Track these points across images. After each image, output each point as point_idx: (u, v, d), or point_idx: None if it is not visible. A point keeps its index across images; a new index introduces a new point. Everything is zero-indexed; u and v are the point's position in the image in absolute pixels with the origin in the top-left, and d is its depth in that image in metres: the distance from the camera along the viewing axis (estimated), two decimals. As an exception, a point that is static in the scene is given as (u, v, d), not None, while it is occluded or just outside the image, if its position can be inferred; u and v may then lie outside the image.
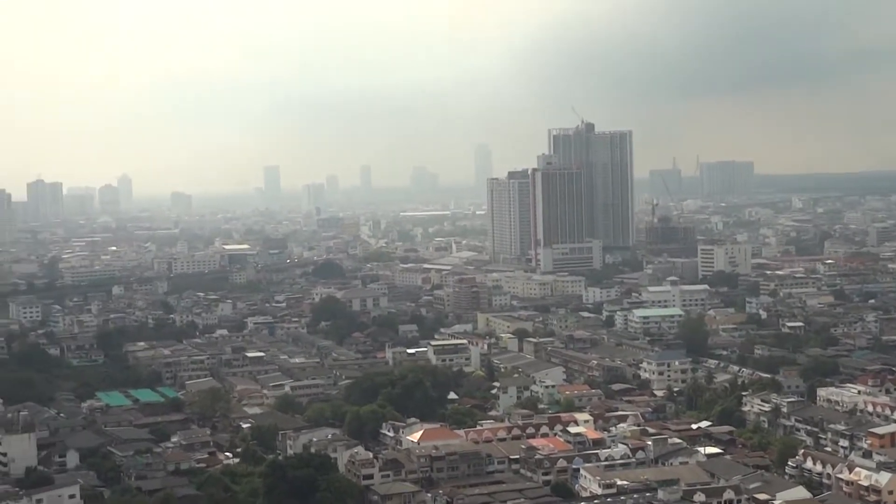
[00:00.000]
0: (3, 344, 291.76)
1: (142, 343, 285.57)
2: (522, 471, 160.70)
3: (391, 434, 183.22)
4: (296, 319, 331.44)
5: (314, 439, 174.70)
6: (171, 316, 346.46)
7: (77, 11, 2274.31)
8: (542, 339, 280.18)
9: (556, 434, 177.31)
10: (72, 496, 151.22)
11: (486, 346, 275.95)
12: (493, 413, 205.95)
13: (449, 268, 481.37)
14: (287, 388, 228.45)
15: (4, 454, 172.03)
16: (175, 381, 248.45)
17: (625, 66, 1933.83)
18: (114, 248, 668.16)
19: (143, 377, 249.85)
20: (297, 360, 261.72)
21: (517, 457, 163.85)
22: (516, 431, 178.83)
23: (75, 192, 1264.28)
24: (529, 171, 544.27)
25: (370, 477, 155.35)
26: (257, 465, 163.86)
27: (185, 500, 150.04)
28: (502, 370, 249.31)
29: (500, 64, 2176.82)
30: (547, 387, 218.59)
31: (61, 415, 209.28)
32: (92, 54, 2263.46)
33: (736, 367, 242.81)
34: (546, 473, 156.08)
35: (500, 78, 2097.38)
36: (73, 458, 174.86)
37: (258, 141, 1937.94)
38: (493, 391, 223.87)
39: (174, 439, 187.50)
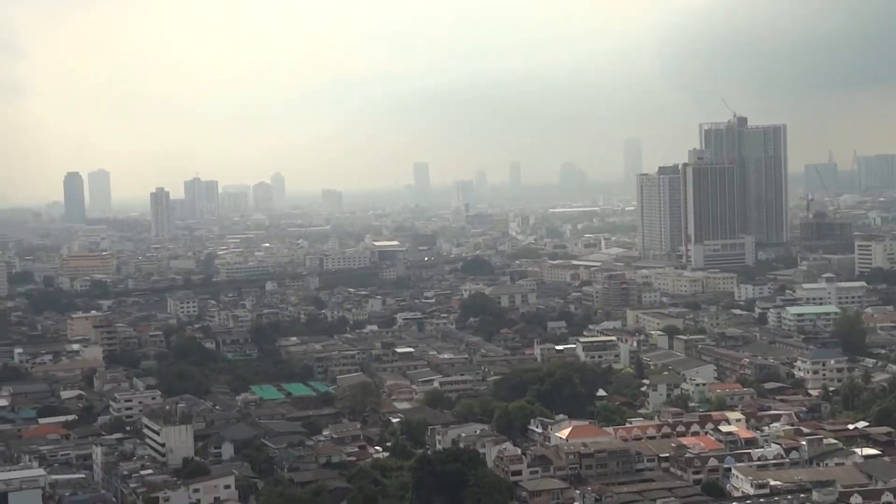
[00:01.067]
0: (161, 338, 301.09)
1: (294, 338, 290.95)
2: (672, 469, 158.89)
3: (539, 430, 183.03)
4: (444, 315, 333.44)
5: (463, 434, 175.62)
6: (323, 311, 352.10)
7: (231, 11, 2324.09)
8: (692, 337, 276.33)
9: (706, 433, 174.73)
10: (227, 486, 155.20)
11: (635, 343, 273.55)
12: (642, 411, 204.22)
13: (598, 264, 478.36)
14: (436, 384, 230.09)
15: (163, 445, 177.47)
16: (326, 376, 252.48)
17: (776, 58, 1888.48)
18: (267, 244, 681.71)
19: (296, 371, 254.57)
20: (445, 356, 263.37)
21: (667, 455, 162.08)
22: (666, 429, 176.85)
23: (230, 189, 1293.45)
24: (680, 167, 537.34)
25: (518, 473, 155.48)
26: (406, 460, 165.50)
27: (336, 493, 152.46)
28: (652, 367, 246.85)
29: (649, 56, 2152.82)
30: (698, 385, 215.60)
31: (217, 407, 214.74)
32: (244, 56, 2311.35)
33: (895, 367, 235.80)
34: (697, 472, 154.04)
35: (648, 71, 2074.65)
36: (228, 450, 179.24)
37: (408, 137, 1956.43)
38: (643, 389, 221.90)
39: (325, 433, 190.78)
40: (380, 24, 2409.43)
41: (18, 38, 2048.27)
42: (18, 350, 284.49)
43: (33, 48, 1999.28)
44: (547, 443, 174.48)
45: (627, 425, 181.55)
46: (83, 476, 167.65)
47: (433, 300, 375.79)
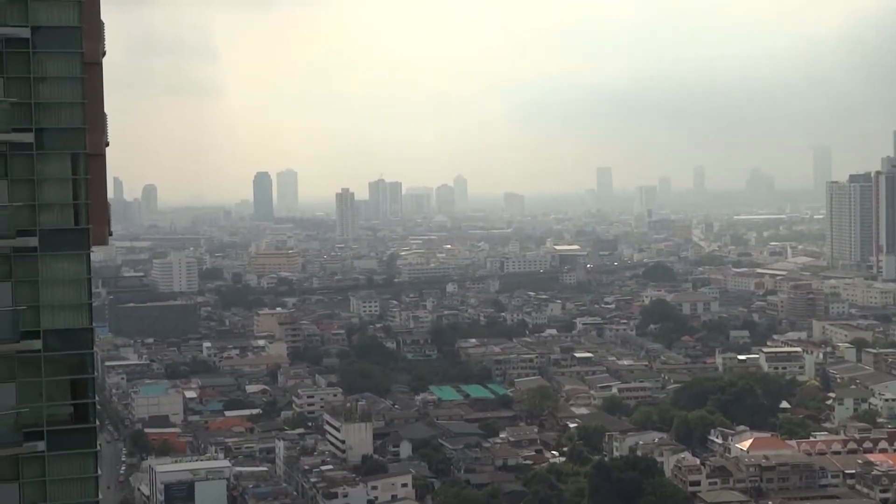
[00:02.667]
0: (343, 336, 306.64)
1: (473, 340, 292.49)
2: (858, 486, 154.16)
3: (719, 441, 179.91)
4: (625, 321, 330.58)
5: (640, 442, 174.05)
6: (502, 314, 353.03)
7: (409, 14, 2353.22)
8: (882, 350, 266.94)
9: (895, 450, 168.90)
10: (404, 485, 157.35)
11: (821, 355, 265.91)
12: (827, 425, 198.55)
13: (784, 273, 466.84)
14: (614, 390, 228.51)
15: (343, 441, 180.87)
16: (504, 378, 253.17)
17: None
18: (449, 246, 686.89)
19: (474, 373, 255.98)
20: (625, 362, 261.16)
21: (853, 471, 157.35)
22: (852, 445, 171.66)
23: (414, 191, 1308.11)
24: (872, 175, 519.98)
25: (697, 483, 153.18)
26: (583, 466, 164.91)
27: (512, 496, 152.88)
28: (838, 381, 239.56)
29: (836, 57, 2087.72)
30: (887, 400, 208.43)
31: (396, 406, 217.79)
32: (425, 58, 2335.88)
33: None
34: (884, 491, 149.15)
35: (836, 73, 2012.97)
36: (406, 449, 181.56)
37: (592, 141, 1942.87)
38: (828, 402, 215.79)
39: (502, 435, 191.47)
40: (560, 23, 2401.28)
41: (211, 39, 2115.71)
42: (207, 344, 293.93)
43: (225, 49, 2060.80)
44: (727, 454, 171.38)
45: (811, 439, 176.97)
46: (266, 469, 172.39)
47: (613, 306, 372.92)
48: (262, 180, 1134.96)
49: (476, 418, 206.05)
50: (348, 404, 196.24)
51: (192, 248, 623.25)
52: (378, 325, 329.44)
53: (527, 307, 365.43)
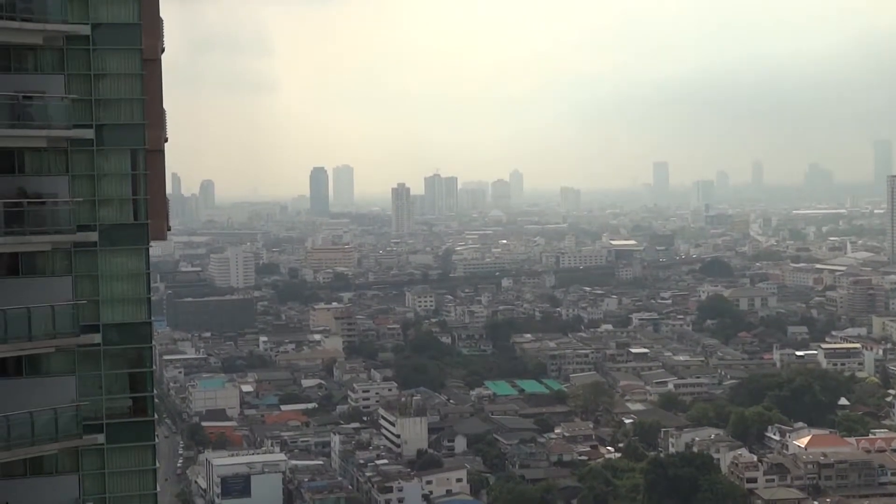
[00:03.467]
0: (399, 331, 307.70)
1: (528, 335, 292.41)
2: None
3: (777, 438, 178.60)
4: (681, 317, 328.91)
5: (697, 438, 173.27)
6: (558, 309, 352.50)
7: (466, 7, 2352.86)
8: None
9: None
10: (459, 480, 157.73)
11: (881, 352, 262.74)
12: (886, 422, 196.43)
13: (843, 268, 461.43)
14: (670, 386, 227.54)
15: (398, 436, 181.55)
16: (560, 374, 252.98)
17: None
18: (504, 241, 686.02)
19: (529, 368, 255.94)
20: (681, 358, 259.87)
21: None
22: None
23: (469, 186, 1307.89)
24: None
25: (754, 480, 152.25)
26: (638, 462, 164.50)
27: (567, 492, 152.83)
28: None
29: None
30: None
31: (451, 401, 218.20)
32: (480, 53, 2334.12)
33: None
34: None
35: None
36: (461, 444, 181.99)
37: (648, 136, 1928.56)
38: (888, 399, 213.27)
39: (557, 431, 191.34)
40: (615, 19, 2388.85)
41: (267, 35, 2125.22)
42: (263, 338, 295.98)
43: (281, 45, 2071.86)
44: (784, 451, 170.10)
45: (871, 436, 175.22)
46: (321, 463, 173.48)
47: (670, 301, 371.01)
48: (318, 175, 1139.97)
49: (531, 413, 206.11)
50: (403, 399, 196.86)
51: (248, 243, 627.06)
52: (433, 320, 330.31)
53: (582, 302, 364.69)
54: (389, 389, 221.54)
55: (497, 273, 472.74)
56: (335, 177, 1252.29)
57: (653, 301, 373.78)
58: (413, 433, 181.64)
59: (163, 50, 45.74)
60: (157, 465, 45.07)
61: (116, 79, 42.73)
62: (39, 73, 41.76)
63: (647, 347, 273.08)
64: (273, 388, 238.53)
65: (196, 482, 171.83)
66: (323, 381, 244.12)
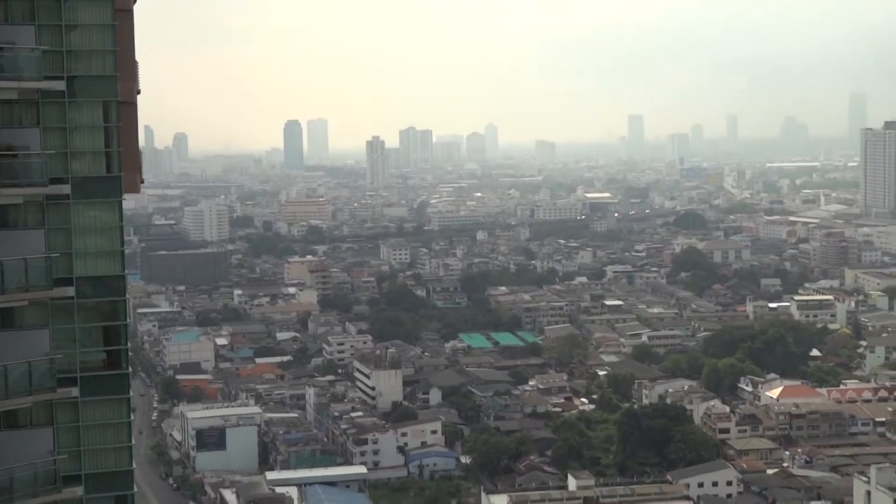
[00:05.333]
0: (374, 284, 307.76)
1: (503, 288, 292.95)
2: (889, 434, 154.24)
3: (749, 389, 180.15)
4: (655, 269, 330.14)
5: (670, 390, 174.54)
6: (532, 262, 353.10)
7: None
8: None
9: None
10: (434, 432, 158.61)
11: (853, 304, 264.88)
12: (858, 373, 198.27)
13: (816, 221, 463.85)
14: (644, 338, 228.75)
15: (373, 388, 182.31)
16: (534, 326, 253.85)
17: None
18: (479, 194, 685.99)
19: (504, 321, 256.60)
20: (655, 311, 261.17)
21: (883, 419, 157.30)
22: (883, 393, 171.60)
23: (444, 139, 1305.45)
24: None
25: (726, 431, 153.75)
26: (612, 413, 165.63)
27: (541, 443, 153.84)
28: (870, 329, 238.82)
29: (875, 4, 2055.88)
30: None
31: (426, 354, 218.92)
32: (458, 9, 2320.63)
33: None
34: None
35: (875, 21, 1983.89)
36: (435, 396, 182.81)
37: (623, 89, 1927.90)
38: (860, 350, 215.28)
39: (532, 383, 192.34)
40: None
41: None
42: (238, 292, 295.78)
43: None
44: (757, 402, 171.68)
45: (842, 387, 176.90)
46: (296, 416, 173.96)
47: (644, 254, 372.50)
48: (292, 128, 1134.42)
49: (505, 366, 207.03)
50: (378, 352, 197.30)
51: (222, 196, 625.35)
52: (408, 273, 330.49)
53: (557, 255, 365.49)
54: (364, 342, 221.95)
55: (472, 226, 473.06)
56: (309, 130, 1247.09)
57: (627, 254, 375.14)
58: (388, 385, 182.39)
59: (135, 0, 45.32)
60: (132, 418, 45.13)
61: (88, 30, 42.31)
62: (9, 23, 41.28)
63: (622, 300, 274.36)
64: (248, 341, 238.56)
65: (171, 435, 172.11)
66: (298, 335, 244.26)
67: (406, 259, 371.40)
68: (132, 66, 44.65)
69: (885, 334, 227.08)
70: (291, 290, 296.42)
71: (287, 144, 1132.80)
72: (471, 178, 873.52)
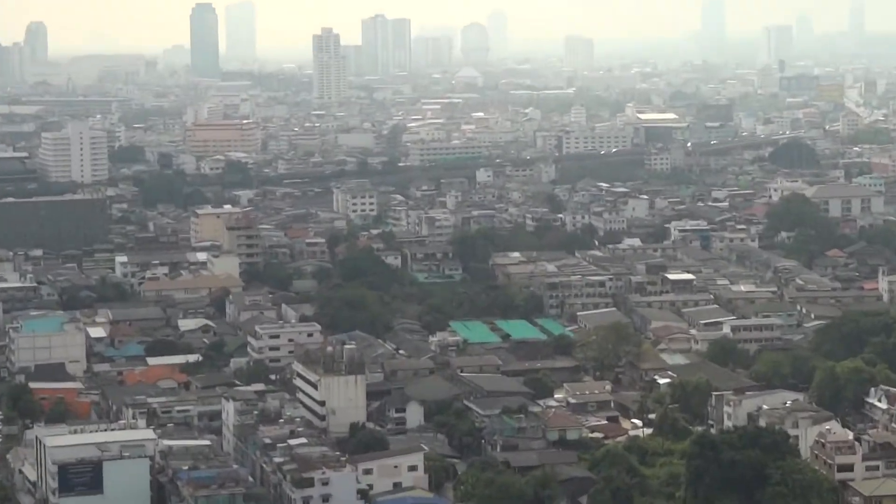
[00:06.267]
0: (324, 248, 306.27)
1: (516, 254, 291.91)
2: None
3: (883, 406, 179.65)
4: (742, 227, 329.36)
5: (764, 406, 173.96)
6: (559, 216, 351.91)
7: None
8: None
9: None
10: (412, 468, 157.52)
11: None
12: None
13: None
14: (726, 329, 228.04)
15: (322, 403, 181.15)
16: (562, 311, 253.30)
17: None
18: (480, 114, 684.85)
19: (517, 303, 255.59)
20: (742, 288, 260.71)
21: None
22: None
23: (428, 33, 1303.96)
24: None
25: (849, 468, 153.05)
26: (679, 441, 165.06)
27: (573, 485, 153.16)
28: None
29: None
30: None
31: (401, 352, 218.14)
32: None
33: None
34: None
35: None
36: (415, 414, 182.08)
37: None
38: None
39: (559, 395, 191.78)
40: None
41: None
42: (121, 258, 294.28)
43: None
44: (893, 424, 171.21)
45: None
46: (208, 443, 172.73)
47: (726, 204, 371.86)
48: (202, 17, 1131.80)
49: (520, 370, 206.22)
50: (330, 348, 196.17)
51: (99, 117, 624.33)
52: (374, 232, 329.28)
53: (596, 205, 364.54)
54: (309, 334, 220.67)
55: (469, 162, 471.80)
56: (229, 18, 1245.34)
57: (701, 204, 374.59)
58: (344, 399, 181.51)
59: None
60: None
61: None
62: None
63: (693, 272, 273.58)
64: (136, 332, 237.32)
65: (21, 472, 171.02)
66: (210, 323, 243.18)
67: (372, 211, 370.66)
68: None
69: None
70: (201, 256, 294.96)
71: (194, 41, 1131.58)
72: (468, 92, 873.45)
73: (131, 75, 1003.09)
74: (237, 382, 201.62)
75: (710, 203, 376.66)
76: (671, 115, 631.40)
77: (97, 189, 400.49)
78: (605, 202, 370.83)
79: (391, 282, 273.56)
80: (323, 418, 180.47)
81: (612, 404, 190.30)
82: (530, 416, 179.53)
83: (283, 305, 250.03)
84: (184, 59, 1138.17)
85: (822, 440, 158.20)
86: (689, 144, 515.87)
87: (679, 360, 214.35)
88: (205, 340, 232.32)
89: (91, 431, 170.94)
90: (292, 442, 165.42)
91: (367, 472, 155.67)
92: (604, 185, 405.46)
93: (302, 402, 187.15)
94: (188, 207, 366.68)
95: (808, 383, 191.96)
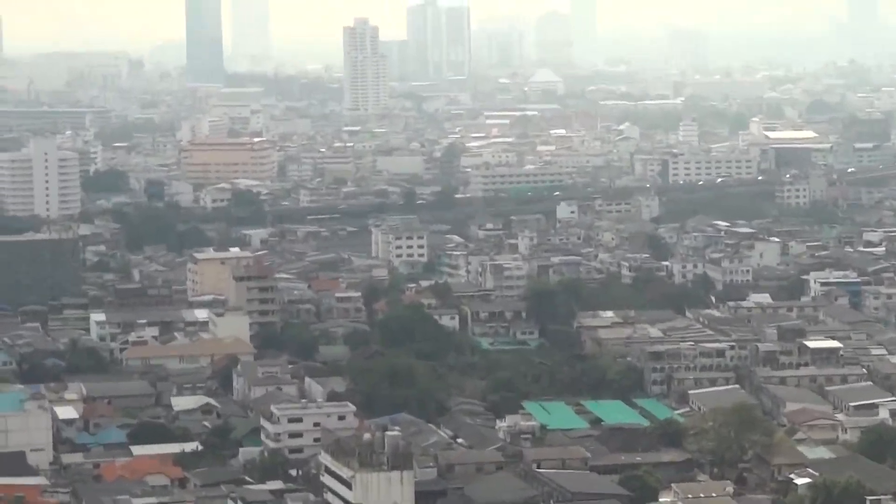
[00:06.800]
0: (359, 304, 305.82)
1: (609, 313, 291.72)
2: None
3: None
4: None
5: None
6: (664, 264, 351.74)
7: None
8: None
9: None
10: None
11: None
12: None
13: None
14: (884, 413, 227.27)
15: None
16: (669, 389, 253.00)
17: None
18: (561, 131, 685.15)
19: (610, 377, 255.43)
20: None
21: None
22: None
23: (493, 25, 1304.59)
24: None
25: None
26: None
27: None
28: None
29: None
30: None
31: (459, 440, 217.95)
32: None
33: None
34: None
35: None
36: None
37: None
38: None
39: (666, 499, 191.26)
40: None
41: None
42: (98, 317, 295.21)
43: None
44: None
45: None
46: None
47: (881, 249, 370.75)
48: (201, 3, 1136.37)
49: (614, 465, 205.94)
50: (367, 435, 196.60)
51: (69, 133, 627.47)
52: (425, 284, 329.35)
53: (713, 251, 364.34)
54: (341, 417, 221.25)
55: (547, 193, 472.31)
56: (235, 6, 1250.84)
57: (850, 249, 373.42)
58: (386, 501, 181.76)
59: None
60: None
61: None
62: None
63: (839, 339, 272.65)
64: (117, 412, 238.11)
65: None
66: (212, 401, 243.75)
67: (421, 256, 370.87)
68: None
69: None
70: (200, 314, 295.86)
71: (190, 35, 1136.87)
72: (545, 101, 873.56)
73: (110, 79, 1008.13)
74: (247, 479, 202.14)
75: (861, 248, 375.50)
76: (810, 134, 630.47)
77: (67, 227, 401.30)
78: (725, 247, 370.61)
79: (447, 349, 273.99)
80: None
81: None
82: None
83: (307, 379, 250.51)
84: (177, 59, 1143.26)
85: None
86: (832, 170, 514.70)
87: (822, 453, 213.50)
88: (205, 424, 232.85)
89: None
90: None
91: None
92: (722, 224, 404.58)
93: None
94: (184, 251, 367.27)
95: None
